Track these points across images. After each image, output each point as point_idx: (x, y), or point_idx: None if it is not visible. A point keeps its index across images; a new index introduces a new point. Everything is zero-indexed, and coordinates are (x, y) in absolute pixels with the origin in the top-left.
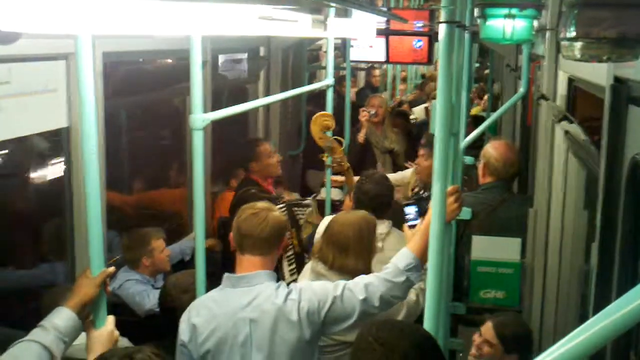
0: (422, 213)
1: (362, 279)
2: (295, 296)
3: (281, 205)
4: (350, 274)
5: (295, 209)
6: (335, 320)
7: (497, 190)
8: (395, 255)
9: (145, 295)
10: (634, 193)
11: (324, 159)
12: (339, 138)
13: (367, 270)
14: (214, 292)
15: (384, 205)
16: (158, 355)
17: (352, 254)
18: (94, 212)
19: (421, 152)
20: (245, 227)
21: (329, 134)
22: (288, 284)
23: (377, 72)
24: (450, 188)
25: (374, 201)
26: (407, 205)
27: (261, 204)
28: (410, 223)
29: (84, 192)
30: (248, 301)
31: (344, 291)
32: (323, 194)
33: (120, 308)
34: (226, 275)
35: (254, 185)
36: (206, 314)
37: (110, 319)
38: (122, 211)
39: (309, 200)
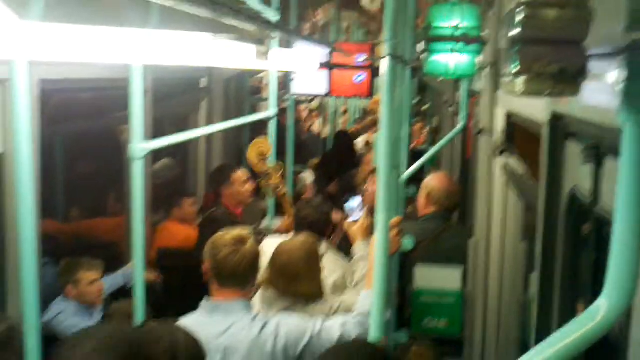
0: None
1: (337, 319)
2: (272, 329)
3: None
4: (304, 296)
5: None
6: (311, 356)
7: (438, 220)
8: (359, 301)
9: (80, 327)
10: (572, 224)
11: (261, 185)
12: (280, 163)
13: (320, 290)
14: (189, 319)
15: (322, 229)
16: None
17: (304, 280)
18: (28, 240)
19: (367, 158)
20: (224, 265)
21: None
22: (265, 315)
23: (302, 107)
24: (391, 221)
25: (313, 226)
26: (346, 201)
27: (235, 235)
28: (352, 219)
29: (16, 220)
30: (224, 329)
31: (322, 329)
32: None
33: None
34: (204, 302)
35: (222, 209)
36: None
37: None
38: (57, 240)
39: (261, 228)
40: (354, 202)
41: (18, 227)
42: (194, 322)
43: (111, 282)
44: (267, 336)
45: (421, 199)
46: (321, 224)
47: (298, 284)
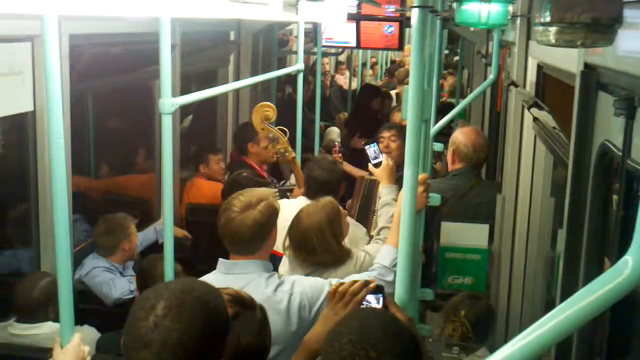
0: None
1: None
2: (287, 287)
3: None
4: (324, 265)
5: (289, 194)
6: None
7: (466, 176)
8: (379, 254)
9: (112, 285)
10: (602, 179)
11: (268, 149)
12: (282, 128)
13: (341, 255)
14: (206, 277)
15: (333, 189)
16: None
17: (321, 251)
18: (60, 197)
19: (386, 134)
20: (224, 231)
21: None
22: (280, 276)
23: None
24: (419, 178)
25: (323, 187)
26: (367, 144)
27: (244, 200)
28: (374, 162)
29: (50, 177)
30: (239, 287)
31: None
32: (292, 180)
33: (87, 295)
34: (220, 260)
35: (248, 168)
36: None
37: (77, 337)
38: (88, 196)
39: (291, 186)
40: (374, 146)
41: (51, 184)
42: (211, 280)
43: (143, 237)
44: (282, 294)
45: (449, 155)
46: (332, 183)
47: (317, 255)
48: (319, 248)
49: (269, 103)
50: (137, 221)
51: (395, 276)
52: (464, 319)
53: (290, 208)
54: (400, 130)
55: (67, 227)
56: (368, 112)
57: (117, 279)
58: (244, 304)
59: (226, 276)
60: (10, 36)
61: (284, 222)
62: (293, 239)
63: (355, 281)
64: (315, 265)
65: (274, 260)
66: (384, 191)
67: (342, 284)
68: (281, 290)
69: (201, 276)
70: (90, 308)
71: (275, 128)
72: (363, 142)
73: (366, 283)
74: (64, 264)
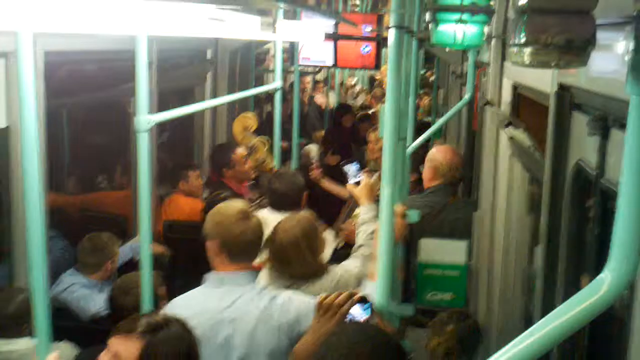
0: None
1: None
2: (280, 302)
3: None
4: (302, 278)
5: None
6: None
7: (443, 193)
8: (363, 289)
9: (89, 299)
10: (577, 197)
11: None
12: (262, 138)
13: (318, 269)
14: (195, 291)
15: (294, 202)
16: None
17: (296, 264)
18: (34, 213)
19: (371, 137)
20: (236, 239)
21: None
22: (271, 289)
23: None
24: (397, 209)
25: (283, 199)
26: (345, 164)
27: (240, 209)
28: (353, 180)
29: (24, 194)
30: (231, 302)
31: None
32: None
33: (63, 312)
34: (209, 274)
35: (226, 189)
36: (188, 311)
37: (54, 355)
38: (65, 213)
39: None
40: (353, 166)
41: (25, 200)
42: (200, 295)
43: (120, 255)
44: (275, 308)
45: (426, 172)
46: (292, 196)
47: (292, 268)
48: (295, 261)
49: (250, 112)
50: (121, 242)
51: None
52: (451, 334)
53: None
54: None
55: (41, 243)
56: (340, 129)
57: (95, 295)
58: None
59: (216, 290)
60: None
61: None
62: (271, 251)
63: (341, 293)
64: (293, 277)
65: None
66: (363, 210)
67: (328, 295)
68: (274, 304)
69: (181, 292)
70: (66, 325)
71: (257, 138)
72: (341, 162)
73: (351, 295)
74: (39, 279)
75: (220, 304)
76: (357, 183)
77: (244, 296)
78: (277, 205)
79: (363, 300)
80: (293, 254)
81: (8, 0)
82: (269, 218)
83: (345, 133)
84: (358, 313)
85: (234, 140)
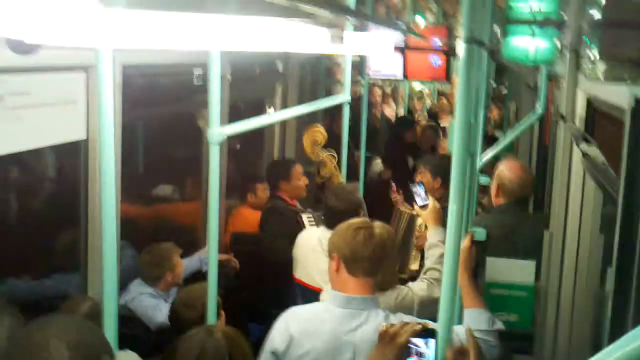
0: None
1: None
2: None
3: (309, 215)
4: (379, 286)
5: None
6: None
7: (512, 211)
8: (467, 320)
9: (157, 309)
10: None
11: (316, 173)
12: (331, 153)
13: (395, 279)
14: (317, 306)
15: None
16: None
17: (385, 270)
18: (109, 223)
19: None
20: (363, 250)
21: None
22: (395, 314)
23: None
24: (464, 244)
25: (340, 217)
26: (413, 185)
27: (361, 222)
28: (421, 203)
29: (99, 204)
30: (356, 325)
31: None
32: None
33: (131, 321)
34: (334, 292)
35: (280, 202)
36: (308, 327)
37: None
38: (135, 223)
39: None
40: (420, 187)
41: (101, 210)
42: (321, 313)
43: (187, 265)
44: None
45: (493, 189)
46: (349, 213)
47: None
48: (383, 268)
49: (319, 126)
50: (181, 251)
51: (496, 333)
52: None
53: (310, 235)
54: (434, 167)
55: (114, 253)
56: (400, 143)
57: (163, 304)
58: None
59: (343, 310)
60: (65, 65)
61: (306, 250)
62: None
63: (407, 323)
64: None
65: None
66: (430, 234)
67: (393, 325)
68: None
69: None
70: (132, 334)
71: (325, 152)
72: (395, 177)
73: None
74: (111, 288)
75: (344, 326)
76: (425, 206)
77: (369, 321)
78: (334, 223)
79: (429, 332)
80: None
81: (90, 16)
82: (323, 235)
83: (405, 148)
84: (422, 346)
85: (294, 157)
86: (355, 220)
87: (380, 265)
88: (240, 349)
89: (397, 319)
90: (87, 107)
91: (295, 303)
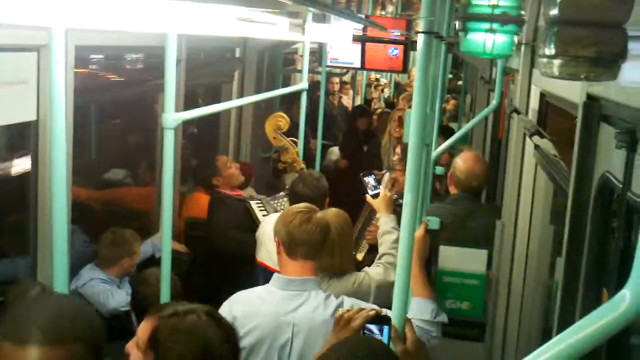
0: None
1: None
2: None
3: (257, 201)
4: (332, 270)
5: (274, 202)
6: None
7: (465, 201)
8: (413, 309)
9: (109, 295)
10: (602, 210)
11: (278, 158)
12: (293, 139)
13: (350, 264)
14: (260, 289)
15: (318, 205)
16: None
17: (337, 254)
18: (60, 207)
19: (400, 166)
20: (299, 234)
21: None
22: (337, 296)
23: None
24: (418, 233)
25: (305, 202)
26: (364, 176)
27: (303, 207)
28: (372, 193)
29: (50, 187)
30: (296, 306)
31: None
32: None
33: None
34: (276, 275)
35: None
36: (249, 309)
37: None
38: (87, 207)
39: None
40: (371, 177)
41: (51, 193)
42: (263, 294)
43: (141, 251)
44: None
45: (449, 179)
46: (315, 200)
47: (333, 258)
48: (338, 250)
49: (281, 113)
50: (142, 241)
51: (438, 325)
52: None
53: (273, 220)
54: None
55: (65, 237)
56: (355, 132)
57: (115, 290)
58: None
59: (283, 292)
60: (16, 45)
61: (269, 234)
62: None
63: (362, 309)
64: (323, 271)
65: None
66: (383, 220)
67: (348, 310)
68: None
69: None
70: None
71: (287, 138)
72: (361, 173)
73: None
74: (61, 273)
75: (284, 306)
76: (376, 195)
77: (309, 302)
78: None
79: (383, 319)
80: (338, 242)
81: None
82: None
83: (359, 136)
84: (375, 332)
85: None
86: (298, 205)
87: (320, 249)
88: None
89: (337, 301)
90: (38, 88)
91: (257, 284)
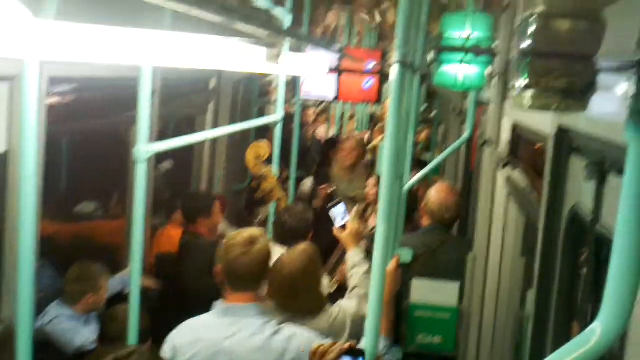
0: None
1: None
2: (283, 338)
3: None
4: (303, 311)
5: None
6: None
7: (436, 232)
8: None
9: (75, 333)
10: (573, 242)
11: (257, 187)
12: (271, 168)
13: (319, 303)
14: (205, 317)
15: (301, 236)
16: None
17: (301, 296)
18: (27, 241)
19: (372, 181)
20: (238, 267)
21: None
22: (279, 323)
23: (310, 111)
24: (390, 267)
25: (291, 234)
26: (331, 207)
27: (246, 237)
28: (340, 224)
29: (17, 220)
30: (233, 332)
31: None
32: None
33: (44, 347)
34: (218, 303)
35: (197, 237)
36: (191, 337)
37: None
38: (55, 241)
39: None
40: (340, 208)
41: (18, 226)
42: (204, 323)
43: (110, 286)
44: (276, 344)
45: (421, 211)
46: (300, 231)
47: (296, 300)
48: (302, 293)
49: (263, 141)
50: (110, 276)
51: None
52: None
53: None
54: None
55: (31, 274)
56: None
57: (81, 328)
58: None
59: (221, 320)
60: None
61: None
62: (274, 284)
63: (335, 343)
64: (291, 312)
65: None
66: (351, 254)
67: (322, 344)
68: (276, 340)
69: (169, 329)
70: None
71: (268, 166)
72: (328, 205)
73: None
74: (26, 310)
75: (222, 333)
76: (344, 226)
77: (247, 328)
78: (283, 239)
79: (358, 352)
80: (300, 284)
81: (17, 26)
82: (273, 250)
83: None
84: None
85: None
86: (242, 233)
87: (260, 279)
88: None
89: (275, 327)
90: (9, 119)
91: None
